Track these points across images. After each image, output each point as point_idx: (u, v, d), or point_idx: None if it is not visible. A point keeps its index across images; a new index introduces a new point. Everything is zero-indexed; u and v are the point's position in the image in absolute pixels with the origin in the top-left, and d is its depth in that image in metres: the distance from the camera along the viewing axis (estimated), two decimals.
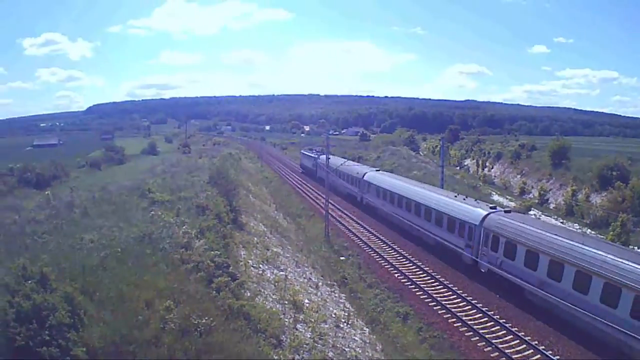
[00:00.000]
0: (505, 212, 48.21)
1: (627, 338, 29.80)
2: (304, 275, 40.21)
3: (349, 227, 65.74)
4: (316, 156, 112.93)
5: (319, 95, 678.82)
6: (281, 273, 36.57)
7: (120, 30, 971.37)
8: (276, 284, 33.29)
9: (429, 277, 46.84)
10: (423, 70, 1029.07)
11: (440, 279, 45.94)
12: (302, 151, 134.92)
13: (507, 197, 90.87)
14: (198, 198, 45.57)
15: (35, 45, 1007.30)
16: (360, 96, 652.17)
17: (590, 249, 35.01)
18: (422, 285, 44.37)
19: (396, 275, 47.66)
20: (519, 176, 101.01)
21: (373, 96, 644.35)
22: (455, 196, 55.77)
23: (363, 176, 78.77)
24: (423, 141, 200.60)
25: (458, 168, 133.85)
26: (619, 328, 29.90)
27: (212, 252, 30.24)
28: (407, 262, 51.48)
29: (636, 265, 31.28)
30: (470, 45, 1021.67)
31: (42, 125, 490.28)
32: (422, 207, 57.49)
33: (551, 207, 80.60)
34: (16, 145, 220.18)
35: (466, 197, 54.90)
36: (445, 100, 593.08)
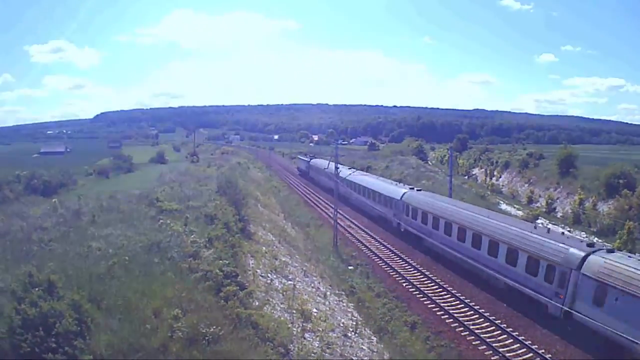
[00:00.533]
0: (417, 190, 68.21)
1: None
2: (312, 285, 40.12)
3: (358, 237, 65.63)
4: (308, 159, 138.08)
5: (327, 104, 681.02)
6: (289, 282, 36.52)
7: (128, 39, 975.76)
8: (284, 293, 33.23)
9: (436, 287, 46.69)
10: (432, 80, 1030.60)
11: (448, 288, 45.79)
12: (298, 156, 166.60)
13: (515, 206, 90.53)
14: (206, 207, 45.63)
15: (43, 53, 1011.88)
16: (369, 105, 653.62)
17: (461, 209, 53.87)
18: (430, 295, 44.25)
19: (404, 284, 47.58)
20: (526, 185, 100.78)
21: (382, 105, 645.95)
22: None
23: (347, 176, 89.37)
24: (431, 150, 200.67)
25: (466, 177, 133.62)
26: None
27: (221, 262, 30.14)
28: (415, 271, 51.41)
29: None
30: (479, 54, 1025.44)
31: (49, 132, 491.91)
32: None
33: (558, 216, 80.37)
34: (23, 152, 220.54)
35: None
36: (453, 109, 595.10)
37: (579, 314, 34.19)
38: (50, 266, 25.49)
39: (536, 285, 39.41)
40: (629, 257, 34.89)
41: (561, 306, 36.12)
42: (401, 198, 66.42)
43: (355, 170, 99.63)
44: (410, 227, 62.92)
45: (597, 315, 32.56)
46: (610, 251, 36.27)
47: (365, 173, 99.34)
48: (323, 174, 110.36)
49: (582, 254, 35.75)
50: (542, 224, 53.28)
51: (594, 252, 35.73)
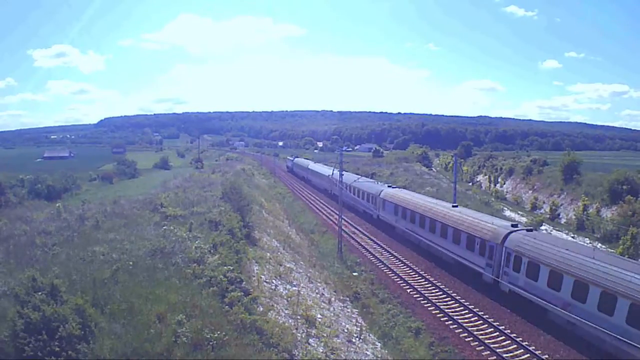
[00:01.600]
0: (393, 187, 79.86)
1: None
2: (317, 291, 40.30)
3: (362, 243, 65.73)
4: (292, 159, 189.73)
5: (332, 111, 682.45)
6: (294, 288, 36.62)
7: (132, 44, 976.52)
8: (289, 299, 33.27)
9: (440, 292, 46.88)
10: (436, 86, 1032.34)
11: (452, 294, 45.95)
12: (287, 157, 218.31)
13: (519, 212, 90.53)
14: (211, 213, 45.77)
15: (46, 57, 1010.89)
16: (374, 112, 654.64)
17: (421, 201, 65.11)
18: (434, 300, 44.40)
19: (408, 290, 47.73)
20: (530, 191, 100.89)
21: (386, 112, 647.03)
22: None
23: (330, 175, 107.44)
24: (436, 157, 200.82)
25: (470, 184, 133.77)
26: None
27: (225, 267, 30.25)
28: (420, 277, 51.56)
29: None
30: (483, 61, 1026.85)
31: (52, 137, 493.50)
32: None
33: (562, 222, 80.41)
34: (26, 156, 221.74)
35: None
36: (458, 116, 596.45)
37: (504, 280, 43.96)
38: (54, 270, 25.64)
39: (474, 259, 49.48)
40: (543, 234, 49.06)
41: (491, 275, 45.88)
42: (379, 195, 77.93)
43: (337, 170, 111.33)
44: (385, 217, 75.25)
45: (517, 279, 42.40)
46: (529, 230, 46.39)
47: (350, 173, 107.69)
48: (302, 169, 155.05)
49: (506, 231, 45.64)
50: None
51: (515, 230, 45.59)
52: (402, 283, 49.78)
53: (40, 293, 21.37)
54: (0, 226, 38.19)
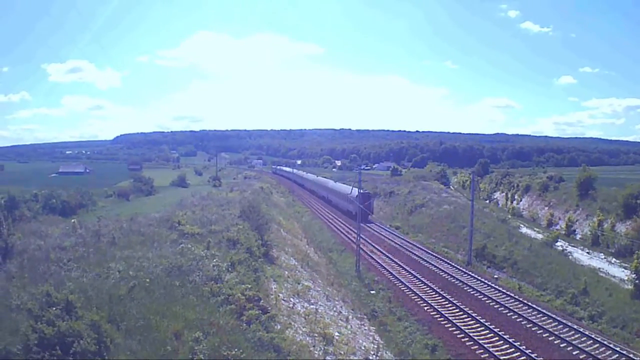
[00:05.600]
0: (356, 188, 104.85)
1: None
2: (335, 309, 40.62)
3: (380, 262, 65.95)
4: (276, 166, 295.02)
5: (350, 129, 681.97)
6: (312, 306, 36.97)
7: (148, 60, 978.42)
8: (306, 316, 33.59)
9: (457, 310, 47.01)
10: (454, 104, 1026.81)
11: (469, 311, 46.05)
12: (275, 165, 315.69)
13: (535, 229, 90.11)
14: (229, 232, 45.96)
15: (61, 72, 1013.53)
16: (392, 131, 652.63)
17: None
18: (450, 318, 44.60)
19: (425, 308, 48.04)
20: (546, 208, 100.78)
21: (404, 131, 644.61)
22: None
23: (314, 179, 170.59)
24: (454, 175, 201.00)
25: (487, 201, 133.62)
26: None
27: (243, 286, 30.47)
28: (437, 295, 51.78)
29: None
30: (500, 78, 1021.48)
31: (68, 152, 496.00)
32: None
33: (578, 238, 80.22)
34: (41, 171, 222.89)
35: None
36: (475, 134, 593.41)
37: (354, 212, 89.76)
38: (68, 286, 25.83)
39: (343, 204, 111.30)
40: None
41: (348, 210, 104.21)
42: (350, 193, 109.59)
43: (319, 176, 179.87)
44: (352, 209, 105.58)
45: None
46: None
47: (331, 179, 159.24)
48: (284, 173, 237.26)
49: (355, 191, 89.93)
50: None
51: (361, 192, 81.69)
52: (419, 301, 50.18)
53: (55, 308, 21.54)
54: (14, 240, 38.25)
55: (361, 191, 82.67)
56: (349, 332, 35.63)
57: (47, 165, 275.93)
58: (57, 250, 37.13)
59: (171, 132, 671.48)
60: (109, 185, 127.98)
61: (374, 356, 31.98)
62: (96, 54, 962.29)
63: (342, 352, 29.37)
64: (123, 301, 25.47)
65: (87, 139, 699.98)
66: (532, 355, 36.82)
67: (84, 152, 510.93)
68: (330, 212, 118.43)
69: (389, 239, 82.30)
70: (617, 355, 37.16)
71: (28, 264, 32.96)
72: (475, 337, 40.16)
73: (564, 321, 43.38)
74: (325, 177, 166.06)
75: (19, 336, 20.29)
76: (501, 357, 36.69)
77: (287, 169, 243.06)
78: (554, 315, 44.72)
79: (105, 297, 25.45)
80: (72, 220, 51.61)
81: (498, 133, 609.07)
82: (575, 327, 42.16)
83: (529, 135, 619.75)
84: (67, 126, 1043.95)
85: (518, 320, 44.28)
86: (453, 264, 64.34)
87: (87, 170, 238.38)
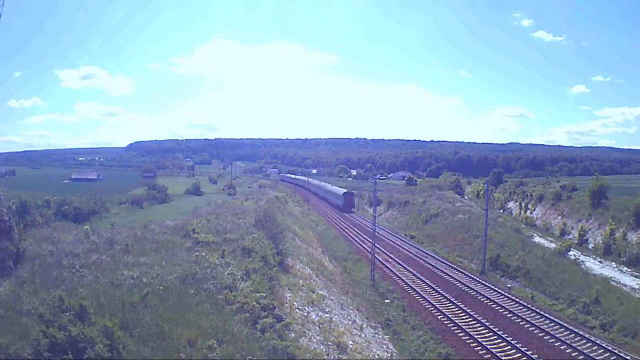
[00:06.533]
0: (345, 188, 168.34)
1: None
2: (349, 318, 40.94)
3: (395, 271, 66.15)
4: (283, 174, 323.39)
5: (365, 139, 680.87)
6: (326, 315, 37.17)
7: (162, 68, 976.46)
8: (321, 325, 33.76)
9: (471, 319, 47.11)
10: (468, 114, 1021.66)
11: (482, 320, 46.21)
12: (280, 174, 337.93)
13: (548, 238, 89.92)
14: (244, 240, 46.13)
15: (74, 78, 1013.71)
16: (407, 140, 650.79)
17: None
18: (464, 327, 44.81)
19: (439, 317, 48.25)
20: (559, 217, 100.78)
21: (419, 140, 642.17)
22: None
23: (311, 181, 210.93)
24: (468, 185, 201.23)
25: (501, 211, 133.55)
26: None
27: (258, 294, 30.64)
28: (450, 304, 51.99)
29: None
30: (513, 88, 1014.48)
31: (80, 159, 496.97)
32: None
33: (590, 247, 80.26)
34: (53, 177, 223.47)
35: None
36: (489, 143, 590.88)
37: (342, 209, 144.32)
38: (81, 292, 25.86)
39: (334, 201, 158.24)
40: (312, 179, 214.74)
41: (337, 204, 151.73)
42: (342, 194, 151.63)
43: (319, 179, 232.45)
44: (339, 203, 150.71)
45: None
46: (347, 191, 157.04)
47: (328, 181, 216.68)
48: (290, 179, 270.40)
49: (343, 190, 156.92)
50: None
51: (344, 192, 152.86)
52: (433, 309, 50.45)
53: (67, 313, 21.54)
54: (26, 246, 38.43)
55: (345, 191, 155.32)
56: (363, 340, 35.94)
57: (60, 172, 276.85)
58: (69, 256, 37.41)
59: (185, 140, 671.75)
60: (123, 193, 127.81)
61: None
62: (109, 60, 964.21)
63: None
64: (136, 308, 25.46)
65: (100, 146, 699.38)
66: None
67: (97, 158, 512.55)
68: (343, 220, 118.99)
69: (404, 249, 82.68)
70: None
71: (39, 270, 33.18)
72: (488, 346, 40.42)
73: (576, 330, 43.65)
74: (323, 182, 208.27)
75: (29, 340, 20.31)
76: None
77: (292, 175, 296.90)
78: (565, 324, 44.94)
79: (118, 304, 25.45)
80: (85, 227, 51.89)
81: (512, 142, 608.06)
82: (586, 336, 42.42)
83: (542, 144, 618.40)
84: (79, 132, 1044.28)
85: (531, 329, 44.62)
86: (467, 273, 64.60)
87: (100, 177, 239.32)
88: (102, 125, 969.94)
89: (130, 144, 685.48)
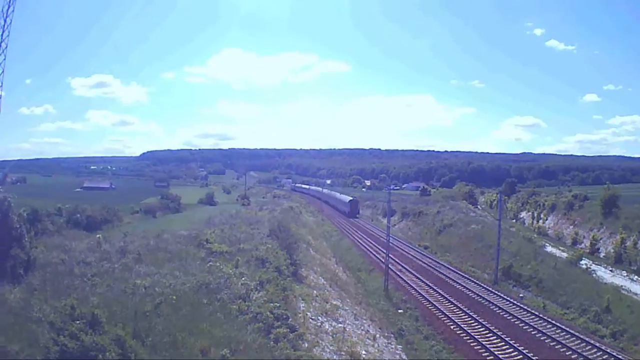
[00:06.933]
0: (351, 196, 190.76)
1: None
2: (362, 328, 40.91)
3: (408, 281, 66.28)
4: (294, 184, 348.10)
5: (379, 149, 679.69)
6: (339, 325, 37.17)
7: (175, 77, 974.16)
8: (334, 335, 33.72)
9: (483, 328, 47.17)
10: (481, 124, 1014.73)
11: (494, 330, 46.19)
12: (291, 184, 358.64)
13: (560, 247, 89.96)
14: (258, 250, 46.24)
15: (86, 86, 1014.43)
16: (421, 151, 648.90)
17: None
18: (476, 337, 44.83)
19: (452, 326, 48.29)
20: (571, 227, 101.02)
21: (433, 151, 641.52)
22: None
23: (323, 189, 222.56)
24: (481, 195, 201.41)
25: (514, 221, 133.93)
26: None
27: (272, 304, 30.61)
28: (463, 313, 51.97)
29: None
30: (526, 98, 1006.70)
31: (92, 167, 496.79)
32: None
33: (601, 256, 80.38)
34: (65, 185, 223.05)
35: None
36: (502, 153, 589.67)
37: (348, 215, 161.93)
38: (92, 300, 25.83)
39: (341, 208, 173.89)
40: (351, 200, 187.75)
41: (344, 210, 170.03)
42: (348, 202, 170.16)
43: (332, 186, 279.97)
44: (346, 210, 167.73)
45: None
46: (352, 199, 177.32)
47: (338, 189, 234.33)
48: (302, 189, 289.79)
49: (349, 198, 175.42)
50: None
51: (350, 199, 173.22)
52: (446, 319, 50.47)
53: (79, 322, 21.51)
54: (37, 253, 38.44)
55: (351, 199, 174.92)
56: (376, 350, 36.00)
57: (72, 180, 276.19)
58: (81, 264, 37.50)
59: (199, 149, 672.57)
60: (135, 202, 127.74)
61: None
62: (122, 69, 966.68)
63: None
64: (149, 317, 25.39)
65: (112, 155, 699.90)
66: None
67: (109, 167, 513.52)
68: (357, 230, 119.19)
69: (417, 259, 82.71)
70: None
71: (50, 278, 33.25)
72: (500, 355, 40.51)
73: (587, 339, 43.62)
74: (333, 192, 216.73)
75: (39, 348, 20.28)
76: None
77: (306, 186, 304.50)
78: (577, 333, 44.91)
79: (131, 313, 25.41)
80: (97, 236, 51.78)
81: (524, 152, 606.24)
82: (597, 344, 42.42)
83: (554, 154, 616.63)
84: (91, 141, 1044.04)
85: (542, 338, 44.66)
86: (479, 283, 64.63)
87: (113, 186, 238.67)
88: (114, 134, 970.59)
89: (143, 153, 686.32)
